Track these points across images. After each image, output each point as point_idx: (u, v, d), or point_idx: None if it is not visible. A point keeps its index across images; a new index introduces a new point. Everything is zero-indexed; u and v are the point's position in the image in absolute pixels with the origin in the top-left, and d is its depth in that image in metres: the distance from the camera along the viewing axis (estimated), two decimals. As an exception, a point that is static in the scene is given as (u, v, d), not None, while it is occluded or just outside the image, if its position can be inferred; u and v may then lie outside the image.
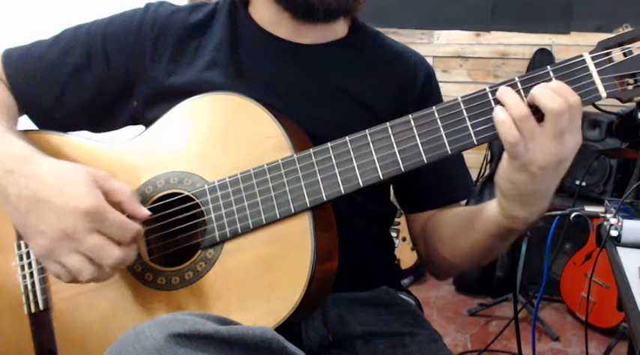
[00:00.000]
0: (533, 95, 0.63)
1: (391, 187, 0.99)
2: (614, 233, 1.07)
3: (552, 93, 0.62)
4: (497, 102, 0.66)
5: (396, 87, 0.91)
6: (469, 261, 0.86)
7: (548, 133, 0.63)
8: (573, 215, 1.23)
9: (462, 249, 0.84)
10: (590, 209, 1.24)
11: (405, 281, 2.83)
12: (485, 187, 2.78)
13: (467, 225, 0.81)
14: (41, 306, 0.79)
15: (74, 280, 0.70)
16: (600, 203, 1.25)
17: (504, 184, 0.68)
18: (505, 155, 0.66)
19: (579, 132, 0.65)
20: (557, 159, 0.64)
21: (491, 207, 0.74)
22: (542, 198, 0.69)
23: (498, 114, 0.64)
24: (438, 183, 0.92)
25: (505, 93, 0.65)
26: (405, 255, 2.83)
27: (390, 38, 0.97)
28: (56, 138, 0.85)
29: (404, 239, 2.87)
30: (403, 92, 0.91)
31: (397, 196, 0.98)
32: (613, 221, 1.08)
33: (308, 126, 0.81)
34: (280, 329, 0.66)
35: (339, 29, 0.91)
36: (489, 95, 0.67)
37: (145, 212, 0.73)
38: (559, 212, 1.28)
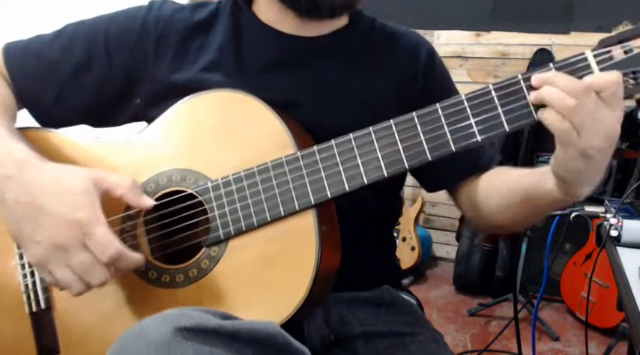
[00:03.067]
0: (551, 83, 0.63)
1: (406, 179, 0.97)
2: (614, 233, 1.08)
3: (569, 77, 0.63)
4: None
5: (399, 67, 0.90)
6: (526, 224, 0.86)
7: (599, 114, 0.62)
8: (573, 215, 1.24)
9: (520, 217, 0.83)
10: (590, 209, 1.25)
11: (405, 281, 2.83)
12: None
13: (523, 200, 0.79)
14: (42, 305, 0.79)
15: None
16: (600, 203, 1.26)
17: (566, 174, 0.68)
18: (558, 147, 0.65)
19: (621, 102, 0.64)
20: (610, 136, 0.64)
21: (550, 186, 0.72)
22: (601, 173, 0.68)
23: (542, 111, 0.64)
24: (459, 157, 0.90)
25: (546, 88, 0.64)
26: (405, 255, 2.83)
27: (386, 22, 0.97)
28: (56, 136, 0.85)
29: (404, 239, 2.87)
30: (407, 73, 0.90)
31: (419, 179, 0.96)
32: (613, 221, 1.09)
33: (314, 122, 0.81)
34: (283, 327, 0.66)
35: (341, 20, 0.91)
36: (492, 92, 0.67)
37: (148, 202, 0.73)
38: (559, 212, 1.28)
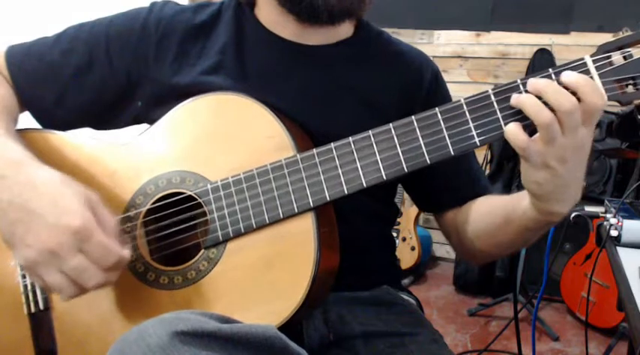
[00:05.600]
0: (541, 92, 0.63)
1: (398, 188, 0.99)
2: (614, 233, 1.07)
3: (562, 91, 0.62)
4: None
5: (402, 86, 0.91)
6: (507, 251, 0.87)
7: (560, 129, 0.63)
8: (573, 215, 1.24)
9: (500, 242, 0.83)
10: (590, 209, 1.24)
11: (405, 281, 2.83)
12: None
13: (503, 222, 0.80)
14: (41, 306, 0.79)
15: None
16: (600, 203, 1.25)
17: (530, 186, 0.68)
18: (522, 160, 0.66)
19: (594, 122, 0.64)
20: (571, 150, 0.64)
21: (525, 205, 0.73)
22: (573, 189, 0.69)
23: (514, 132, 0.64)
24: (457, 181, 0.91)
25: (527, 102, 0.63)
26: (405, 255, 2.83)
27: (395, 37, 0.97)
28: (56, 137, 0.85)
29: (404, 239, 2.87)
30: (410, 91, 0.91)
31: (415, 198, 0.99)
32: (613, 221, 1.09)
33: (316, 126, 0.81)
34: (282, 328, 0.67)
35: (344, 30, 0.91)
36: (492, 97, 0.67)
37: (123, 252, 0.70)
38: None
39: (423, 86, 0.92)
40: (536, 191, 0.68)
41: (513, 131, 0.64)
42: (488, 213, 0.85)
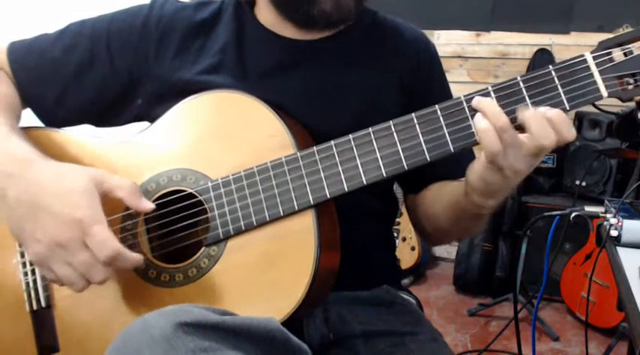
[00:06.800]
0: (525, 119, 0.65)
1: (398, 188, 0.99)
2: (614, 233, 1.07)
3: (546, 124, 0.64)
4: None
5: (400, 77, 0.91)
6: (448, 237, 0.94)
7: (529, 148, 0.65)
8: (573, 215, 1.23)
9: (439, 226, 0.89)
10: (590, 209, 1.24)
11: (405, 281, 2.83)
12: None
13: (445, 206, 0.84)
14: (43, 303, 0.79)
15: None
16: (600, 203, 1.25)
17: (478, 183, 0.71)
18: (482, 158, 0.68)
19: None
20: (532, 165, 0.67)
21: (461, 194, 0.76)
22: (509, 190, 0.72)
23: (479, 122, 0.66)
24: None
25: (483, 103, 0.66)
26: (405, 255, 2.83)
27: (387, 15, 0.97)
28: (58, 135, 0.85)
29: (404, 239, 2.87)
30: (407, 72, 0.91)
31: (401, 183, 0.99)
32: (613, 221, 1.08)
33: (316, 124, 0.81)
34: (282, 326, 0.67)
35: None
36: (492, 93, 0.68)
37: (148, 205, 0.73)
38: (559, 212, 1.28)
39: (420, 58, 0.93)
40: (480, 188, 0.71)
41: (487, 130, 0.66)
42: (436, 195, 0.88)
